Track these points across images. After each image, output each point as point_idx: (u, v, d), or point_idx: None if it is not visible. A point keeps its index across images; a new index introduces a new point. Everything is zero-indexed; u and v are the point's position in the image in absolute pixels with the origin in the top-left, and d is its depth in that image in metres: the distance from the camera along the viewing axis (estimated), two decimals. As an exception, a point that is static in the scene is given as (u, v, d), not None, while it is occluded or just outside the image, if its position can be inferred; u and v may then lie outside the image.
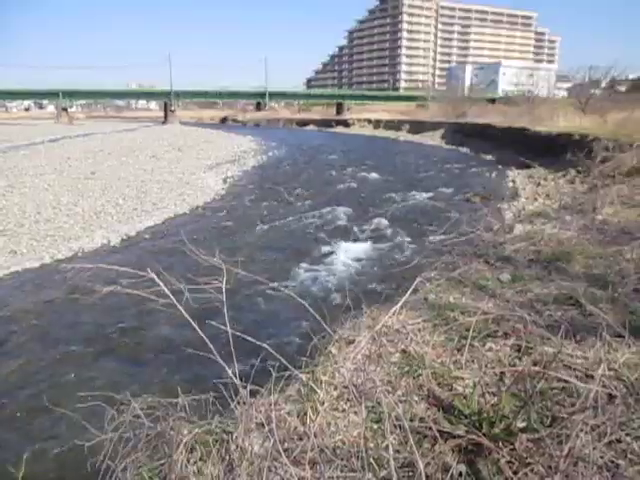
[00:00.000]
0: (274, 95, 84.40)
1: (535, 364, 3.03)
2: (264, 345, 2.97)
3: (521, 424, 2.47)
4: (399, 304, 3.54)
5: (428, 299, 4.35)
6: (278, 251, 10.96)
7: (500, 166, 23.59)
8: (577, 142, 18.44)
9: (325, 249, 10.99)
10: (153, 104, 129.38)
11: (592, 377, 2.88)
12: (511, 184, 18.58)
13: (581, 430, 2.34)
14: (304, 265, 9.88)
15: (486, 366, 3.18)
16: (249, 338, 3.01)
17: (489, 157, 28.09)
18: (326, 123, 69.69)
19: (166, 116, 77.68)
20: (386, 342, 3.46)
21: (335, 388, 2.97)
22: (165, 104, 79.52)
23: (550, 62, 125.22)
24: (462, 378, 3.06)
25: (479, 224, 6.91)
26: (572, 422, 2.41)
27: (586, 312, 3.78)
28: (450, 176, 22.25)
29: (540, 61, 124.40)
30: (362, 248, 11.02)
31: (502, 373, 3.09)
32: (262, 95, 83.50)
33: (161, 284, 2.90)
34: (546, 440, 2.37)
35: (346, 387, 2.89)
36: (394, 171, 23.95)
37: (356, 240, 11.64)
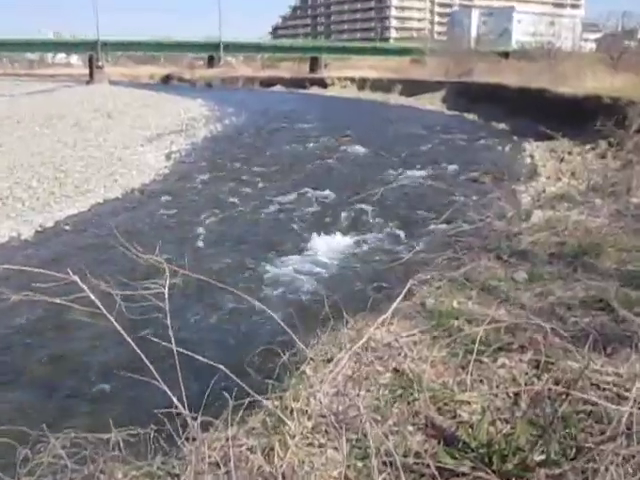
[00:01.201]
0: (231, 47, 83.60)
1: (557, 383, 3.07)
2: (219, 366, 2.98)
3: (539, 457, 2.50)
4: (389, 312, 3.56)
5: (425, 305, 4.37)
6: (237, 247, 10.96)
7: (515, 137, 24.00)
8: (608, 107, 18.77)
9: (297, 244, 11.04)
10: (75, 59, 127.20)
11: (625, 398, 2.91)
12: (529, 160, 18.96)
13: (611, 462, 2.36)
14: (271, 264, 9.89)
15: (497, 387, 3.22)
16: (200, 357, 2.99)
17: (501, 126, 28.52)
18: (298, 83, 69.49)
19: (92, 74, 76.36)
20: (373, 359, 3.48)
21: (309, 418, 2.96)
22: (90, 58, 78.16)
23: (575, 7, 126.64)
24: (468, 402, 3.10)
25: (489, 210, 7.01)
26: (601, 453, 2.43)
27: (619, 318, 3.84)
28: (454, 150, 22.52)
29: (562, 6, 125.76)
30: (344, 242, 11.13)
31: (517, 395, 3.13)
32: (215, 47, 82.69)
33: (86, 289, 2.84)
34: (569, 476, 2.40)
35: (323, 416, 2.90)
36: (384, 143, 24.06)
37: (336, 232, 11.74)
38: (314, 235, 11.44)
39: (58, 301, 2.95)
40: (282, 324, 3.36)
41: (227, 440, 2.72)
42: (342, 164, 19.86)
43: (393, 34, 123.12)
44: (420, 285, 4.70)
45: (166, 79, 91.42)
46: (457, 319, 4.01)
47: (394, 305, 3.55)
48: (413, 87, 49.44)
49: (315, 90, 63.87)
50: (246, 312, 7.60)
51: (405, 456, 2.61)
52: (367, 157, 21.42)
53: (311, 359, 3.57)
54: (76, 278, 2.87)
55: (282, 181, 16.96)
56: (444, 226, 9.03)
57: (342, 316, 4.06)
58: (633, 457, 2.44)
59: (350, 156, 21.66)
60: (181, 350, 2.90)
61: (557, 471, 2.44)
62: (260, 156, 21.35)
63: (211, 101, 46.46)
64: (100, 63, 76.95)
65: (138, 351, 2.87)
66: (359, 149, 22.84)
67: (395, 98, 50.00)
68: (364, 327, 3.84)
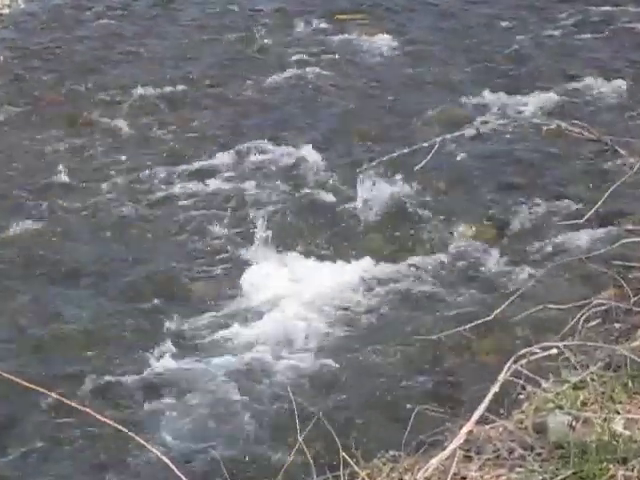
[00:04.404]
0: None
1: None
2: None
3: None
4: (455, 443, 2.18)
5: (547, 427, 2.60)
6: (92, 291, 5.65)
7: None
8: None
9: (235, 281, 5.72)
10: None
11: None
12: None
13: None
14: (175, 343, 5.15)
15: None
16: None
17: None
18: None
19: None
20: None
21: None
22: None
23: None
24: None
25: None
26: None
27: None
28: (610, 41, 9.13)
29: None
30: (347, 275, 5.79)
31: None
32: None
33: None
34: None
35: None
36: (440, 29, 11.29)
37: (329, 249, 6.13)
38: (275, 258, 5.91)
39: None
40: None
41: None
42: (343, 81, 9.49)
43: None
44: (533, 380, 2.82)
45: None
46: (625, 462, 2.29)
47: (466, 427, 2.20)
48: None
49: None
50: (121, 461, 4.08)
51: None
52: (401, 63, 10.04)
53: None
54: None
55: (194, 123, 8.19)
56: (593, 231, 5.54)
57: (337, 460, 2.45)
58: None
59: (362, 60, 10.15)
60: None
61: None
62: (137, 63, 9.78)
63: None
64: None
65: None
66: (382, 43, 10.52)
67: None
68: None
